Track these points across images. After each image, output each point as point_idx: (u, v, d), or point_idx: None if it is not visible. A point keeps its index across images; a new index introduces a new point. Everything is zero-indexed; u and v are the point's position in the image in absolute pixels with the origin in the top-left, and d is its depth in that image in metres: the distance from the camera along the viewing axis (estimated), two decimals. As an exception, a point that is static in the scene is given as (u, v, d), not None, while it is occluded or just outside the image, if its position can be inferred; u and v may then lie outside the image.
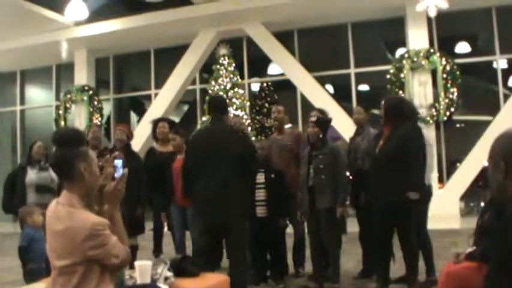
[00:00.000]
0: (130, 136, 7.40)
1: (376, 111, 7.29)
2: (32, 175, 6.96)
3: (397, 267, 5.89)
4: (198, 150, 5.45)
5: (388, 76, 12.83)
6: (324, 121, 6.35)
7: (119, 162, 3.02)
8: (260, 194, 6.51)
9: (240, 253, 5.30)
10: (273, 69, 15.72)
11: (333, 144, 6.31)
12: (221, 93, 13.39)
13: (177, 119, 15.16)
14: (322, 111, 6.97)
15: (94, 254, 2.71)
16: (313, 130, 6.16)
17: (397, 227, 5.56)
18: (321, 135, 6.15)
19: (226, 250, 5.64)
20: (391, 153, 5.46)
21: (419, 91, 12.47)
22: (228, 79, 13.66)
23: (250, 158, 5.43)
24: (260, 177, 6.53)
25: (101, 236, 2.72)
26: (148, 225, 7.66)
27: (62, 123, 15.81)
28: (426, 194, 5.98)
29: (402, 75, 12.60)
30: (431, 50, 12.60)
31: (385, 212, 5.48)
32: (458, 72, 12.36)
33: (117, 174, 2.99)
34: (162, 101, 15.06)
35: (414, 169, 5.44)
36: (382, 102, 5.83)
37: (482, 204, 12.49)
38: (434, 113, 12.30)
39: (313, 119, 6.39)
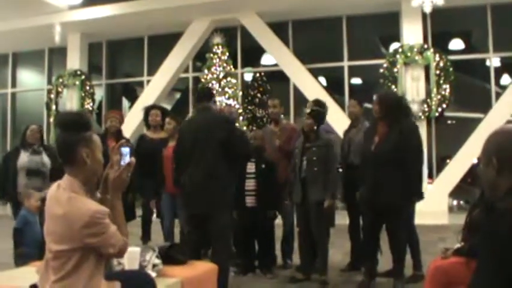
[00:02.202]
0: (121, 122, 7.41)
1: (369, 105, 7.27)
2: (24, 158, 6.92)
3: (384, 261, 5.92)
4: (185, 139, 5.43)
5: (381, 70, 12.84)
6: (318, 113, 6.33)
7: (125, 150, 2.98)
8: (250, 184, 6.51)
9: (222, 242, 5.28)
10: (266, 60, 15.69)
11: (327, 137, 6.30)
12: (214, 81, 13.38)
13: (169, 107, 15.14)
14: (319, 102, 6.90)
15: (92, 242, 2.69)
16: (308, 121, 6.14)
17: (388, 224, 5.56)
18: (315, 127, 6.14)
19: (210, 239, 5.64)
20: (390, 152, 5.38)
21: (412, 86, 12.49)
22: (221, 68, 13.61)
23: (235, 142, 5.31)
24: (251, 167, 6.53)
25: (100, 225, 2.69)
26: (137, 212, 7.65)
27: (53, 107, 15.77)
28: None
29: (395, 69, 12.62)
30: (425, 46, 12.62)
31: (379, 210, 5.49)
32: (451, 69, 12.39)
33: (123, 162, 2.95)
34: (154, 87, 15.01)
35: (416, 172, 5.45)
36: (377, 97, 5.79)
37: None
38: (426, 109, 12.33)
39: (307, 110, 6.38)
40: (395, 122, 5.49)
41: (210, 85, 13.21)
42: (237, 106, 13.22)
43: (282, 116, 7.44)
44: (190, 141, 5.29)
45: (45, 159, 6.90)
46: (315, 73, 14.02)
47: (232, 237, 6.15)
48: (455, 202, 13.59)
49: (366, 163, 5.68)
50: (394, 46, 13.40)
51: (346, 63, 14.17)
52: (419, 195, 5.58)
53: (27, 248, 5.40)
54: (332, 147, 6.17)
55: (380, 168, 5.42)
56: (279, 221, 6.88)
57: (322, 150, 6.05)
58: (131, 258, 3.72)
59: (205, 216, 5.20)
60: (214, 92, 6.15)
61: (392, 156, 5.36)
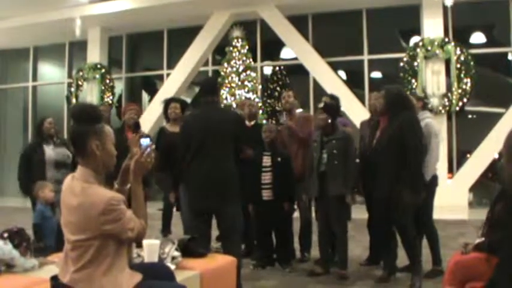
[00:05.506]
0: (139, 115, 7.44)
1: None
2: (50, 152, 6.83)
3: (403, 255, 5.89)
4: (192, 133, 5.36)
5: (401, 64, 12.76)
6: (331, 106, 6.33)
7: (145, 141, 3.00)
8: (266, 177, 6.49)
9: (234, 235, 5.30)
10: (286, 53, 15.68)
11: (344, 130, 6.30)
12: (233, 75, 13.39)
13: (188, 100, 15.16)
14: (332, 97, 6.93)
15: (109, 228, 2.72)
16: (320, 116, 6.14)
17: (393, 219, 5.54)
18: (329, 121, 6.12)
19: (220, 233, 5.65)
20: (386, 147, 5.45)
21: (433, 80, 12.40)
22: (240, 61, 13.62)
23: (243, 138, 5.40)
24: (267, 161, 6.51)
25: (115, 211, 2.73)
26: (158, 205, 7.68)
27: (74, 100, 15.87)
28: (431, 184, 5.94)
29: (416, 63, 12.53)
30: (446, 40, 12.51)
31: (382, 204, 5.50)
32: (472, 63, 12.28)
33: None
34: (174, 81, 15.06)
35: (412, 165, 5.39)
36: (383, 92, 5.79)
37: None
38: (447, 103, 12.24)
39: (320, 104, 6.39)
40: (394, 116, 5.51)
41: (230, 78, 13.24)
42: (257, 100, 13.20)
43: (301, 109, 7.39)
44: (199, 135, 5.25)
45: (67, 151, 6.91)
46: (335, 67, 13.97)
47: (249, 230, 6.16)
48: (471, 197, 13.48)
49: (367, 157, 5.87)
50: (414, 40, 13.31)
51: (366, 57, 14.12)
52: (415, 187, 5.47)
53: (47, 241, 5.43)
54: (351, 140, 6.16)
55: (378, 161, 5.54)
56: (296, 214, 6.87)
57: (342, 142, 6.04)
58: (150, 251, 3.73)
59: (215, 210, 5.22)
60: (218, 85, 6.10)
61: (388, 150, 5.42)
